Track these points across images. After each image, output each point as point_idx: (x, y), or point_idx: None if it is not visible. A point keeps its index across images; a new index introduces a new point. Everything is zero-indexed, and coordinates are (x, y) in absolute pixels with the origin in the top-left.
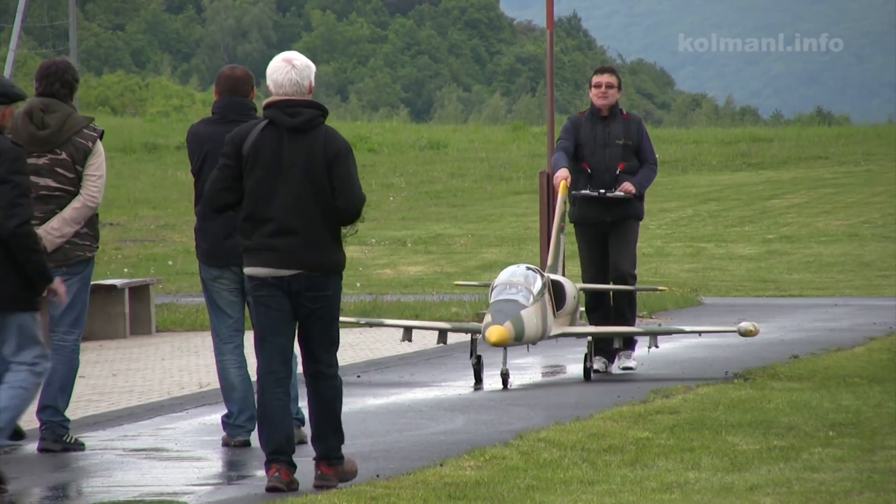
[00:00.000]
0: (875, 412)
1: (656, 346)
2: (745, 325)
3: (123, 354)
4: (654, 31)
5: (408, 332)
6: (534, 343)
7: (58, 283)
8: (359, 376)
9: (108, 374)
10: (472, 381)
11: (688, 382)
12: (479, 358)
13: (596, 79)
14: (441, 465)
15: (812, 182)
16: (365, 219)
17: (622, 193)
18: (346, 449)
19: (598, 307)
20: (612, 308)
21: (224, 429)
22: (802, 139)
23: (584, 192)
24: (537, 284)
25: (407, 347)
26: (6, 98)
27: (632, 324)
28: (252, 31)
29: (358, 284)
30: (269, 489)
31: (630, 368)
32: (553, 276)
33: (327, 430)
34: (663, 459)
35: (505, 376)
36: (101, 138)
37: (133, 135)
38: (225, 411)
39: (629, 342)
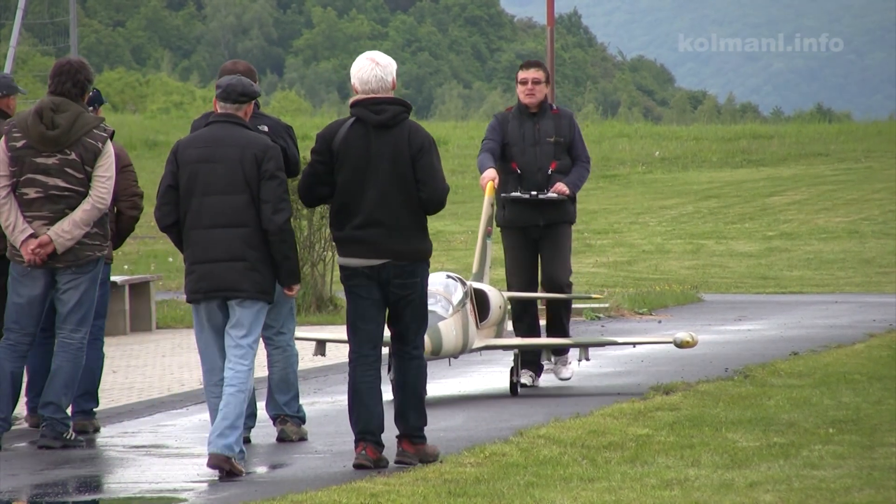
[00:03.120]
0: (875, 409)
1: (587, 359)
2: (681, 335)
3: (124, 351)
4: (654, 28)
5: (321, 346)
6: (455, 357)
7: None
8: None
9: (108, 371)
10: (473, 378)
11: (688, 379)
12: None
13: (521, 75)
14: (441, 461)
15: (812, 179)
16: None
17: (555, 195)
18: (346, 445)
19: (524, 316)
20: (539, 319)
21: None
22: (803, 136)
23: (514, 194)
24: (457, 294)
25: None
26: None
27: (567, 335)
28: (252, 28)
29: None
30: (356, 466)
31: (566, 379)
32: (476, 285)
33: (409, 408)
34: (663, 456)
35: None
36: (111, 139)
37: (133, 131)
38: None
39: (562, 349)
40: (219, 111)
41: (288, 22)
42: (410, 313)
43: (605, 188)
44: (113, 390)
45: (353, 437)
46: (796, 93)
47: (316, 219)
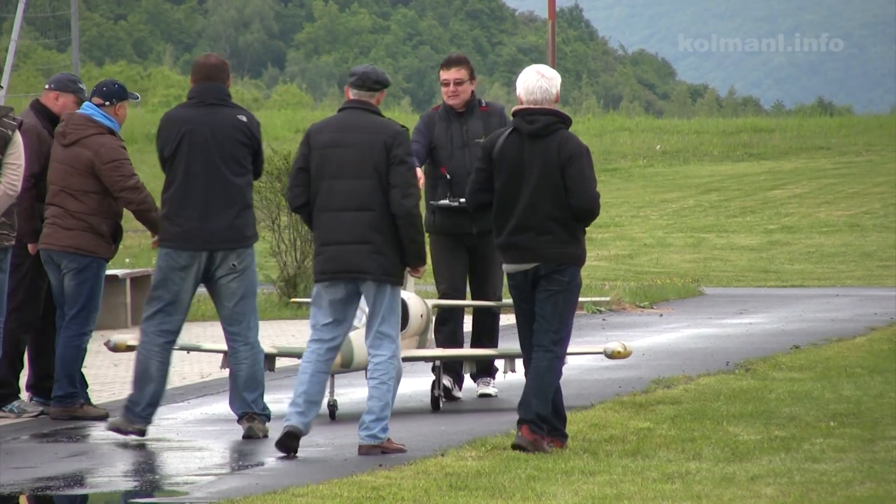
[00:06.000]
0: (876, 402)
1: (513, 371)
2: (612, 345)
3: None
4: (655, 22)
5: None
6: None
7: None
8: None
9: (109, 365)
10: (475, 372)
11: (689, 373)
12: None
13: (443, 75)
14: (442, 454)
15: (813, 172)
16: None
17: None
18: (348, 439)
19: (448, 321)
20: (462, 326)
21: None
22: (804, 130)
23: (443, 202)
24: None
25: None
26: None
27: (494, 346)
28: (254, 22)
29: None
30: (514, 447)
31: (489, 395)
32: None
33: (534, 396)
34: (664, 450)
35: (332, 408)
36: (19, 128)
37: (134, 125)
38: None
39: (489, 369)
40: (351, 98)
41: (289, 15)
42: (551, 307)
43: (607, 182)
44: (115, 383)
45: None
46: (797, 86)
47: None
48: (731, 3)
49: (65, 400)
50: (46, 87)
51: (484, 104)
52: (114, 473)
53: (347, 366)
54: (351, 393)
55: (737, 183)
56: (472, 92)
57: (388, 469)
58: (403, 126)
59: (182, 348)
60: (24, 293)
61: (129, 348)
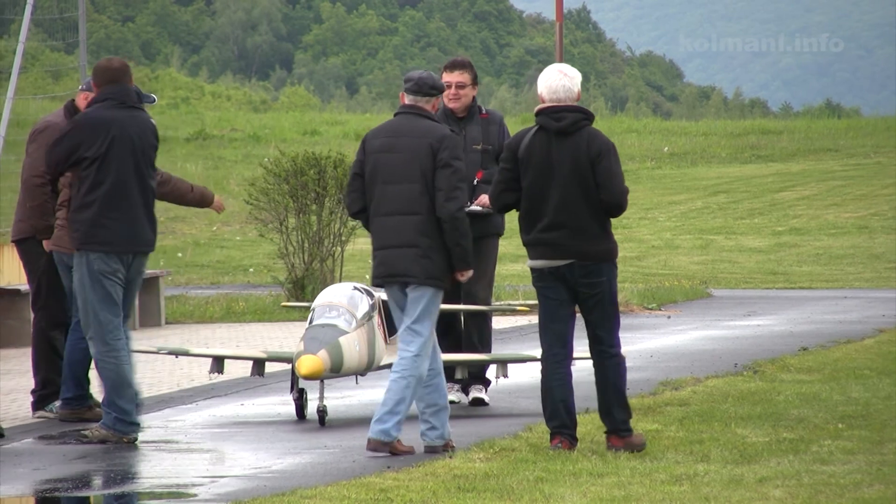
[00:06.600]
0: (885, 404)
1: (505, 376)
2: None
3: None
4: (663, 24)
5: (218, 363)
6: (362, 374)
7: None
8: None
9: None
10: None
11: (697, 375)
12: (301, 392)
13: (445, 77)
14: (450, 456)
15: (821, 174)
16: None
17: (479, 208)
18: (356, 440)
19: (448, 332)
20: (462, 337)
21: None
22: (812, 131)
23: None
24: (363, 307)
25: None
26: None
27: (487, 352)
28: (261, 24)
29: (367, 277)
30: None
31: (482, 402)
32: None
33: (612, 404)
34: (672, 451)
35: (322, 413)
36: None
37: None
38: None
39: (482, 377)
40: (406, 103)
41: (297, 17)
42: (600, 312)
43: None
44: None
45: (549, 432)
46: (805, 88)
47: (325, 214)
48: (738, 4)
49: (73, 402)
50: (79, 88)
51: (484, 111)
52: (122, 475)
53: (337, 371)
54: (350, 397)
55: (745, 185)
56: (474, 98)
57: (396, 471)
58: (452, 130)
59: (170, 353)
60: (46, 290)
61: None
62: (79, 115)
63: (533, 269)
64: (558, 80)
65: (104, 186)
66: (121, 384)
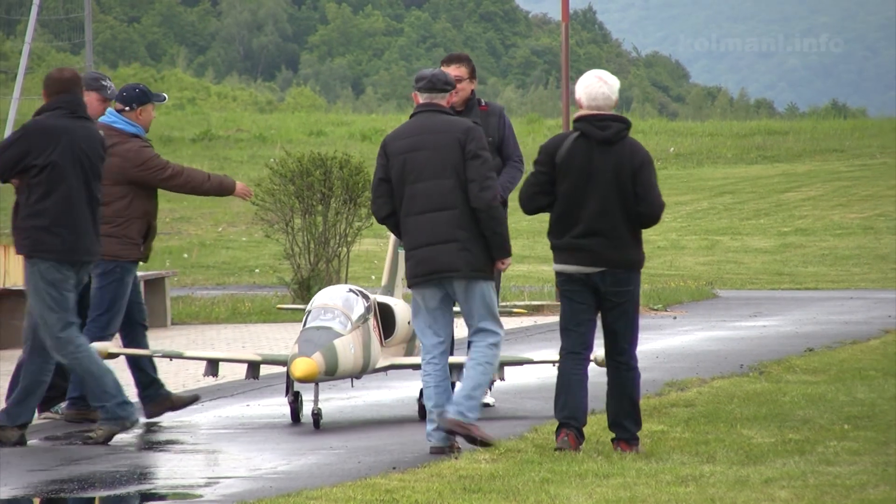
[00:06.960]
0: (890, 405)
1: (501, 379)
2: (601, 354)
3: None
4: (669, 24)
5: (212, 366)
6: (357, 377)
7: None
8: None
9: (123, 368)
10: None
11: (703, 375)
12: (296, 395)
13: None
14: (456, 457)
15: (827, 175)
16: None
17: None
18: (362, 441)
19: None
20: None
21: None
22: (818, 132)
23: None
24: (358, 309)
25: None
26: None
27: None
28: (267, 24)
29: (373, 277)
30: (557, 450)
31: (485, 404)
32: (382, 299)
33: (625, 417)
34: (678, 452)
35: (317, 416)
36: None
37: None
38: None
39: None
40: (421, 102)
41: (303, 18)
42: (624, 322)
43: None
44: (129, 387)
45: (557, 424)
46: (811, 89)
47: (331, 215)
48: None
49: (79, 402)
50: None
51: (483, 103)
52: (127, 476)
53: (332, 373)
54: (355, 398)
55: (750, 185)
56: (472, 91)
57: (401, 472)
58: (476, 121)
59: (165, 355)
60: None
61: (111, 356)
62: (29, 122)
63: (561, 273)
64: (598, 88)
65: (55, 195)
66: (97, 372)
